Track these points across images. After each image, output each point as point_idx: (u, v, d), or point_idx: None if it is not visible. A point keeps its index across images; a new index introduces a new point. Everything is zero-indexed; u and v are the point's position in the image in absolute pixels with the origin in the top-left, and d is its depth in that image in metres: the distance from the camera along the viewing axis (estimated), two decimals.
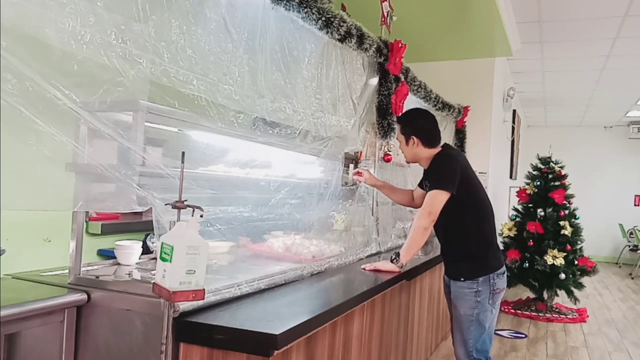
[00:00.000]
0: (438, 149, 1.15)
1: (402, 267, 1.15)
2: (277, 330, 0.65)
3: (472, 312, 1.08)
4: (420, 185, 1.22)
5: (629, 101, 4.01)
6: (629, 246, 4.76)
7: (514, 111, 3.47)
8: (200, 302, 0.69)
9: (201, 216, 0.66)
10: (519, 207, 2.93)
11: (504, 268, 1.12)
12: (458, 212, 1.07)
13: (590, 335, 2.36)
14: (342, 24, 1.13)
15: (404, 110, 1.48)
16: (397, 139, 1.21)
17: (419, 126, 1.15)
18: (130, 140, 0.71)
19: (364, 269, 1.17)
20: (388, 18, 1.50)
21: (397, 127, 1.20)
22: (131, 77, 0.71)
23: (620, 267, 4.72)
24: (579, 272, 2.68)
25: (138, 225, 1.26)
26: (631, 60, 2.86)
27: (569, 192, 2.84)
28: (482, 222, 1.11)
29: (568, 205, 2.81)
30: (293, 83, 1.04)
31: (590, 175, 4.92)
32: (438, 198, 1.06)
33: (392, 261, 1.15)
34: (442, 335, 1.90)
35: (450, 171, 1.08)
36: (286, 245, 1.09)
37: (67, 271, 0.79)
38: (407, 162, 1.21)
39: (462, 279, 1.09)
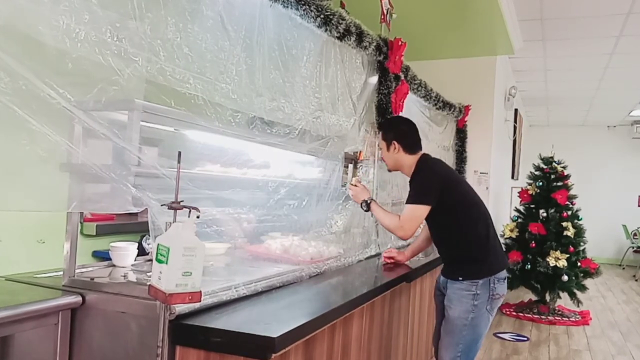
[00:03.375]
0: (417, 158, 1.15)
1: (363, 207, 1.16)
2: (275, 333, 0.64)
3: (467, 315, 1.05)
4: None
5: (632, 100, 3.99)
6: (633, 247, 4.73)
7: (516, 110, 3.44)
8: (197, 305, 0.68)
9: (198, 217, 0.65)
10: (521, 208, 2.91)
11: (505, 273, 1.09)
12: (446, 218, 1.07)
13: (594, 338, 2.34)
14: (341, 21, 1.12)
15: (404, 109, 1.48)
16: (378, 146, 1.23)
17: (400, 131, 1.15)
18: (125, 140, 0.70)
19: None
20: (388, 15, 1.49)
21: (380, 135, 1.20)
22: (127, 76, 0.70)
23: (623, 268, 4.69)
24: (581, 274, 2.67)
25: (133, 226, 1.24)
26: (635, 58, 2.84)
27: (572, 192, 2.82)
28: (475, 226, 1.09)
29: (571, 205, 2.79)
30: (291, 82, 1.02)
31: (593, 175, 4.88)
32: (416, 213, 1.06)
33: (362, 204, 1.15)
34: None
35: (427, 184, 1.07)
36: (284, 246, 1.07)
37: (61, 273, 0.78)
38: (389, 170, 1.21)
39: (460, 279, 1.07)
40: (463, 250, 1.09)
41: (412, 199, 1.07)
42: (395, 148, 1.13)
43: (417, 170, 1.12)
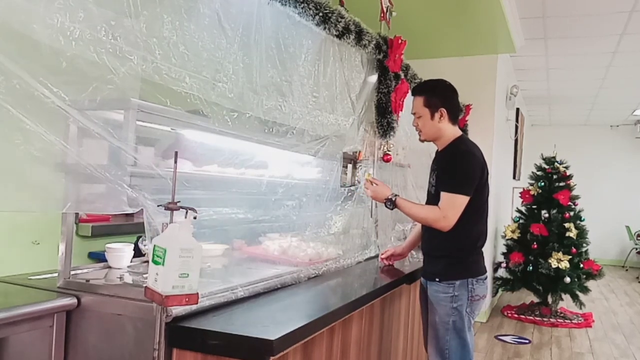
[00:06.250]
0: (458, 131, 1.05)
1: (388, 205, 1.06)
2: (273, 336, 0.63)
3: (448, 319, 1.00)
4: (428, 183, 1.10)
5: (636, 99, 3.96)
6: (636, 249, 4.71)
7: (518, 110, 3.42)
8: (194, 307, 0.67)
9: (195, 218, 0.64)
10: (523, 209, 2.89)
11: (485, 274, 1.05)
12: None
13: (596, 340, 2.32)
14: (340, 19, 1.10)
15: (403, 109, 1.44)
16: (413, 113, 1.06)
17: (449, 97, 1.04)
18: (121, 140, 0.69)
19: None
20: (387, 13, 1.47)
21: (416, 99, 1.05)
22: (122, 75, 0.69)
23: (627, 270, 4.65)
24: (584, 276, 2.65)
25: (129, 227, 1.24)
26: (638, 56, 2.82)
27: (574, 193, 2.81)
28: (477, 224, 1.04)
29: (573, 206, 2.77)
30: (289, 80, 1.01)
31: (596, 175, 4.83)
32: (457, 201, 0.96)
33: (386, 203, 1.04)
34: None
35: (472, 173, 0.98)
36: (282, 248, 1.06)
37: (56, 274, 0.77)
38: (423, 141, 1.07)
39: (437, 280, 1.03)
40: (450, 246, 1.02)
41: (453, 187, 0.97)
42: (442, 116, 1.01)
43: (458, 153, 1.00)
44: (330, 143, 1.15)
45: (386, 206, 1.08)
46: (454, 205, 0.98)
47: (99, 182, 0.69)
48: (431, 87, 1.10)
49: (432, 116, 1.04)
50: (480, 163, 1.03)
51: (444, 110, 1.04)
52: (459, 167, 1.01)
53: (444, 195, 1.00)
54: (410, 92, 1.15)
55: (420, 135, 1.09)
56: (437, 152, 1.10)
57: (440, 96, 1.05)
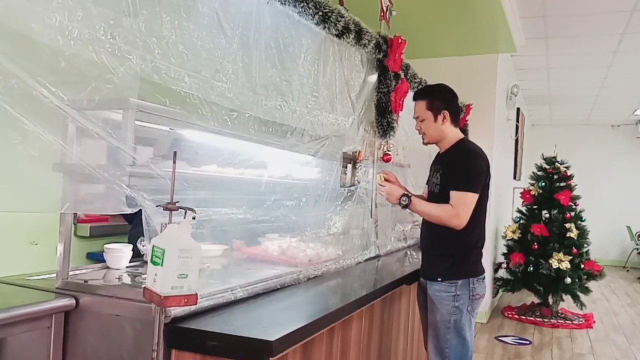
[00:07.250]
0: (460, 134, 1.09)
1: (402, 203, 1.04)
2: (273, 337, 0.63)
3: (449, 318, 1.02)
4: (429, 183, 1.13)
5: (636, 99, 3.96)
6: (637, 249, 4.69)
7: (518, 109, 3.42)
8: (193, 307, 0.67)
9: (193, 218, 0.64)
10: (523, 209, 2.89)
11: (484, 274, 1.07)
12: None
13: (597, 341, 2.32)
14: (339, 18, 1.10)
15: (403, 108, 1.44)
16: (416, 117, 1.09)
17: (449, 100, 1.08)
18: (119, 140, 0.69)
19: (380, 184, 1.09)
20: (387, 13, 1.47)
21: (418, 104, 1.08)
22: (120, 74, 0.69)
23: (628, 270, 4.64)
24: (585, 276, 2.64)
25: (128, 227, 1.23)
26: (639, 56, 2.81)
27: (575, 193, 2.81)
28: (478, 225, 1.06)
29: (574, 206, 2.77)
30: (289, 80, 1.01)
31: (596, 175, 4.83)
32: (466, 199, 0.98)
33: (401, 199, 1.03)
34: None
35: (480, 171, 1.02)
36: (282, 248, 1.06)
37: (54, 275, 0.77)
38: (427, 144, 1.11)
39: (439, 279, 1.04)
40: (451, 247, 1.04)
41: (462, 185, 0.99)
42: (444, 118, 1.05)
43: (465, 153, 1.04)
44: (330, 143, 1.15)
45: (400, 204, 1.08)
46: (465, 202, 1.00)
47: (97, 182, 0.69)
48: (433, 91, 1.14)
49: (435, 119, 1.08)
50: (486, 163, 1.07)
51: (446, 113, 1.07)
52: (467, 166, 1.03)
53: (454, 194, 1.02)
54: (412, 97, 1.17)
55: (423, 139, 1.12)
56: (439, 154, 1.12)
57: (442, 99, 1.09)
